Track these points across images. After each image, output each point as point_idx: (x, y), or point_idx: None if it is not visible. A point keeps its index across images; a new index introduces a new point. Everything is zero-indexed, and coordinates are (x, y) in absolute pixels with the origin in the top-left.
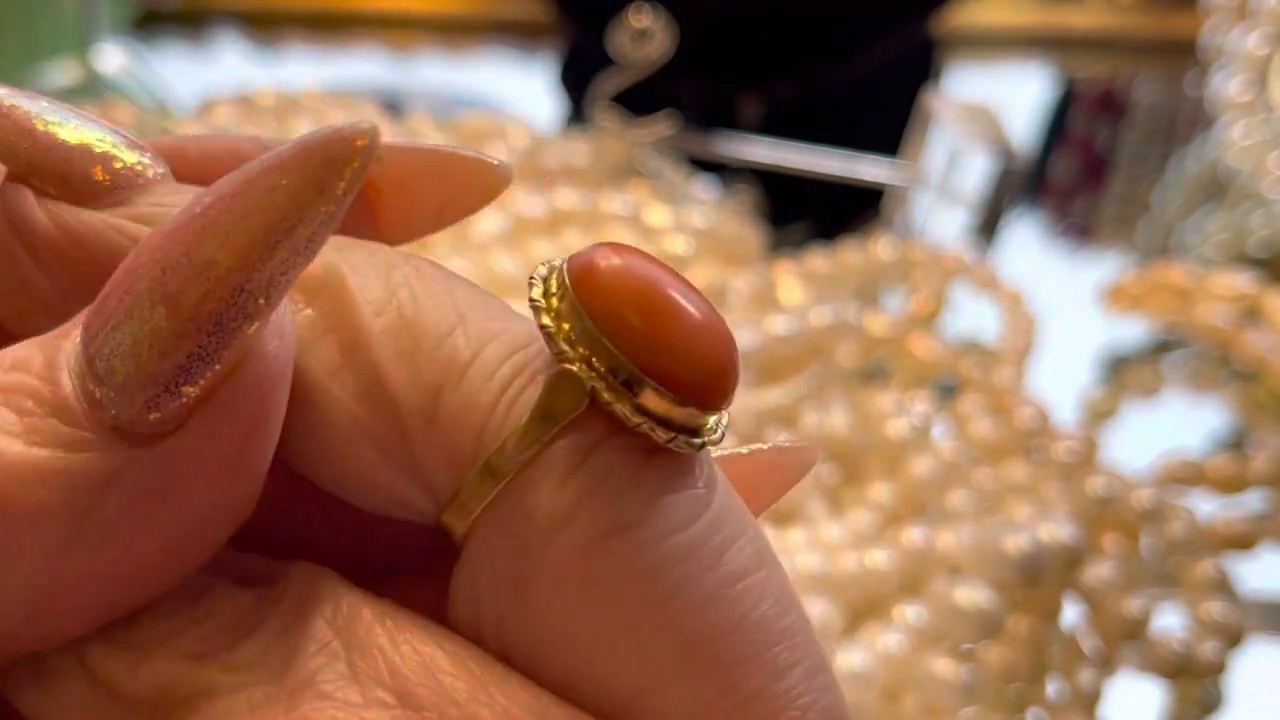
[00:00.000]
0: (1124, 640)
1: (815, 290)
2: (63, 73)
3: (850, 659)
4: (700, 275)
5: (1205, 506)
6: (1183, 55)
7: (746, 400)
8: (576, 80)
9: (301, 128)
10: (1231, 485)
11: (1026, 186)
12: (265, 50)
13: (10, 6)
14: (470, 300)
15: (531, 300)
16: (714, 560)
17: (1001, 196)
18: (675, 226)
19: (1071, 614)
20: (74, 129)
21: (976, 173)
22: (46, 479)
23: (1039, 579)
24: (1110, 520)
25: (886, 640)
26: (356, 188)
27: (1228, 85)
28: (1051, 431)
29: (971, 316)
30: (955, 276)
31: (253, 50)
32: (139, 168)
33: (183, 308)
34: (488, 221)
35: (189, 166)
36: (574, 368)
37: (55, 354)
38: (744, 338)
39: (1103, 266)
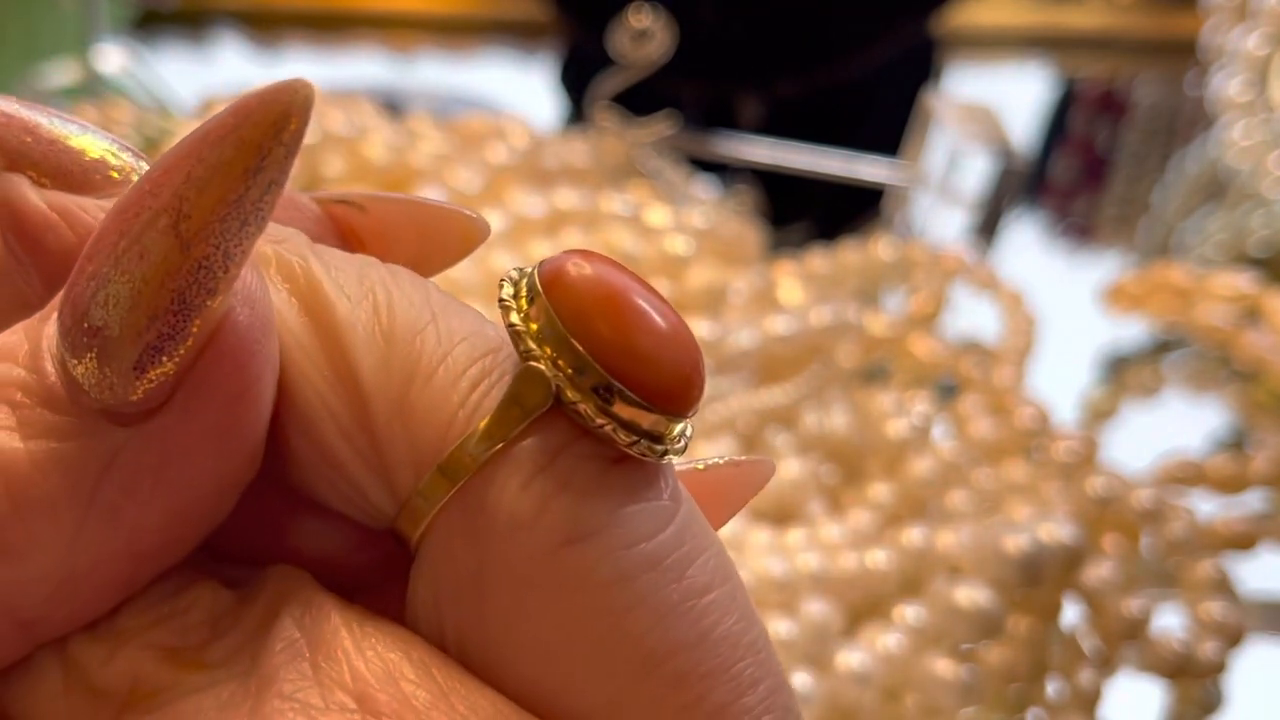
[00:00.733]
0: (1124, 640)
1: (815, 290)
2: (63, 73)
3: (850, 659)
4: (700, 275)
5: (1205, 506)
6: (1183, 55)
7: (746, 400)
8: (576, 80)
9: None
10: (1231, 485)
11: (1026, 186)
12: (265, 50)
13: (10, 6)
14: (443, 304)
15: (501, 300)
16: (678, 573)
17: (1001, 196)
18: (675, 226)
19: (1071, 614)
20: (77, 135)
21: (976, 173)
22: (48, 471)
23: (1039, 579)
24: (1110, 520)
25: (886, 640)
26: (297, 148)
27: (1228, 85)
28: (1051, 431)
29: (971, 316)
30: (955, 276)
31: (253, 50)
32: (135, 171)
33: (145, 289)
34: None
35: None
36: (540, 365)
37: (39, 340)
38: (744, 338)
39: (1103, 266)
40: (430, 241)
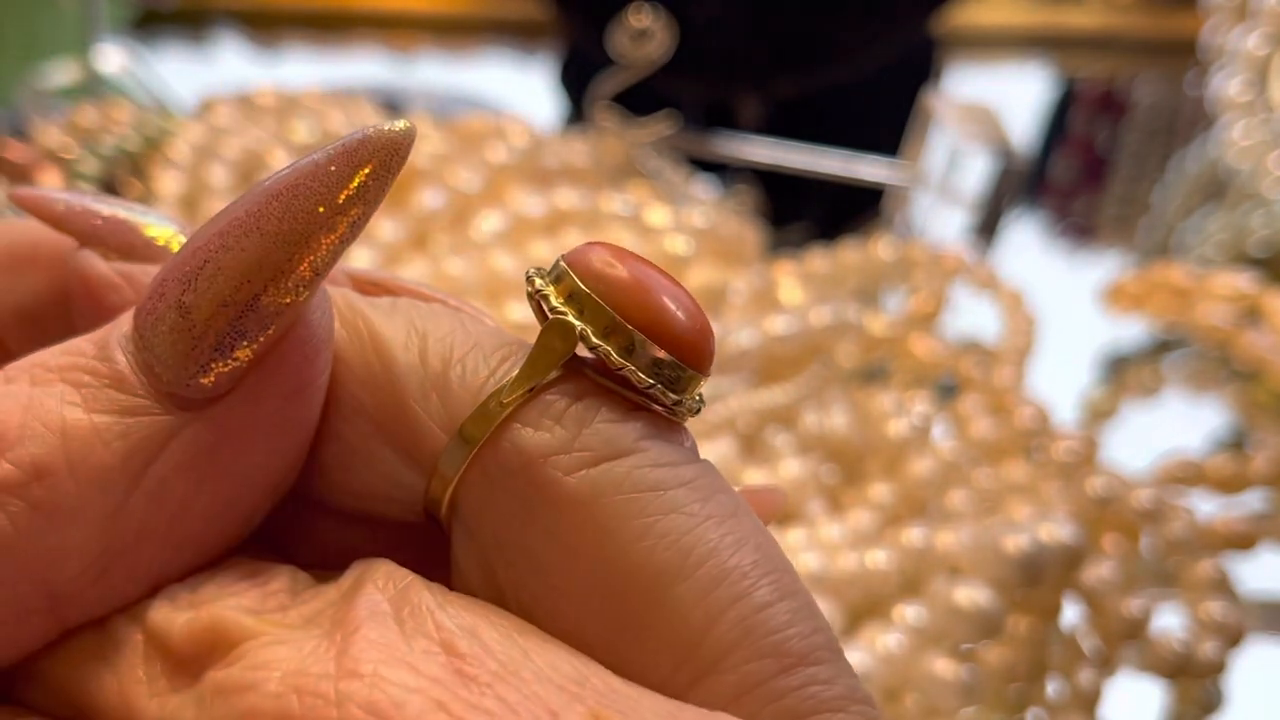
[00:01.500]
0: (1124, 640)
1: (815, 290)
2: (63, 73)
3: (850, 659)
4: (700, 275)
5: (1205, 506)
6: (1183, 55)
7: (746, 400)
8: (576, 80)
9: (301, 128)
10: (1231, 485)
11: (1026, 186)
12: (265, 50)
13: (10, 6)
14: (471, 318)
15: (527, 275)
16: (707, 493)
17: (1001, 196)
18: (675, 226)
19: (1071, 614)
20: (141, 216)
21: (976, 173)
22: (108, 441)
23: (1039, 579)
24: (1110, 520)
25: (886, 640)
26: (388, 186)
27: (1228, 85)
28: (1051, 431)
29: (971, 316)
30: (955, 276)
31: (253, 50)
32: None
33: (223, 292)
34: (488, 221)
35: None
36: (565, 315)
37: (107, 338)
38: (744, 338)
39: (1103, 266)
40: None
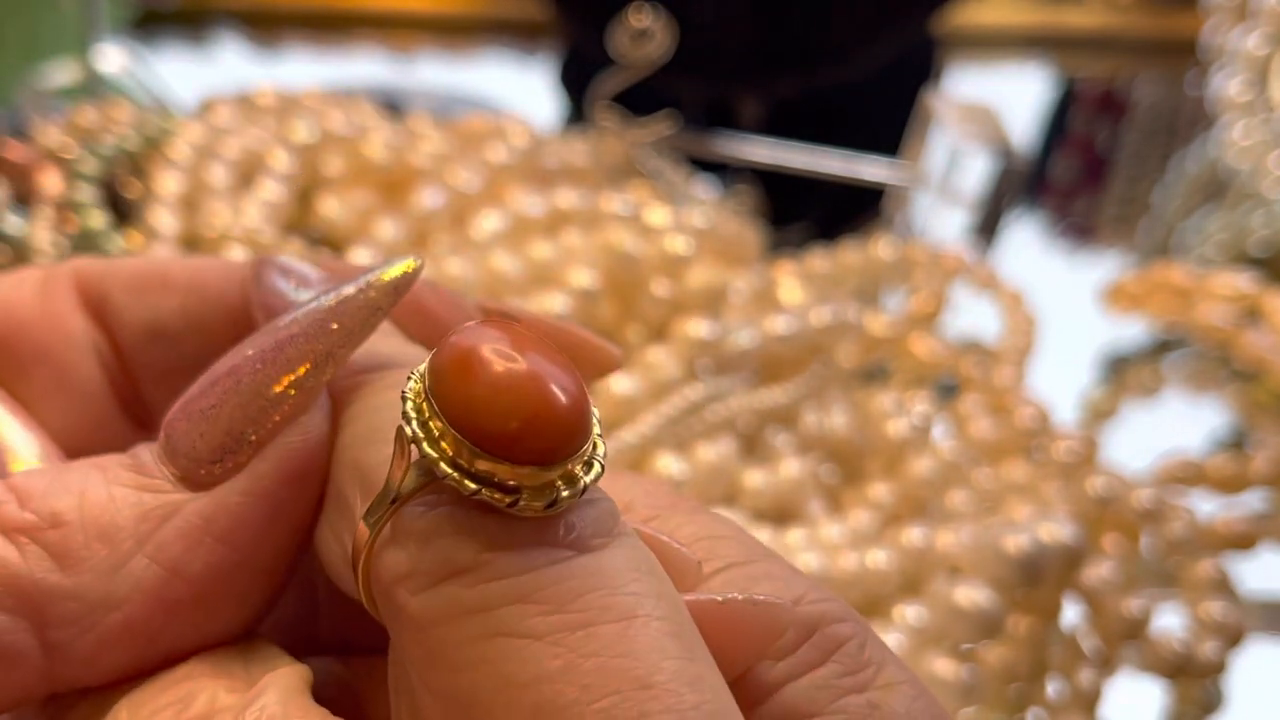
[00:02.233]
0: (1124, 640)
1: (815, 290)
2: (63, 73)
3: None
4: (700, 275)
5: (1205, 506)
6: (1183, 55)
7: (746, 400)
8: (576, 80)
9: (301, 128)
10: (1231, 485)
11: (1026, 186)
12: (265, 50)
13: (10, 6)
14: None
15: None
16: (555, 605)
17: (1001, 196)
18: (675, 226)
19: (1071, 614)
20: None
21: (976, 173)
22: (120, 505)
23: (1039, 579)
24: (1110, 520)
25: (886, 640)
26: (361, 339)
27: (1228, 85)
28: (1051, 431)
29: (971, 316)
30: (955, 276)
31: (253, 50)
32: None
33: (231, 409)
34: (488, 221)
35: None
36: (404, 424)
37: (133, 450)
38: (744, 338)
39: (1103, 266)
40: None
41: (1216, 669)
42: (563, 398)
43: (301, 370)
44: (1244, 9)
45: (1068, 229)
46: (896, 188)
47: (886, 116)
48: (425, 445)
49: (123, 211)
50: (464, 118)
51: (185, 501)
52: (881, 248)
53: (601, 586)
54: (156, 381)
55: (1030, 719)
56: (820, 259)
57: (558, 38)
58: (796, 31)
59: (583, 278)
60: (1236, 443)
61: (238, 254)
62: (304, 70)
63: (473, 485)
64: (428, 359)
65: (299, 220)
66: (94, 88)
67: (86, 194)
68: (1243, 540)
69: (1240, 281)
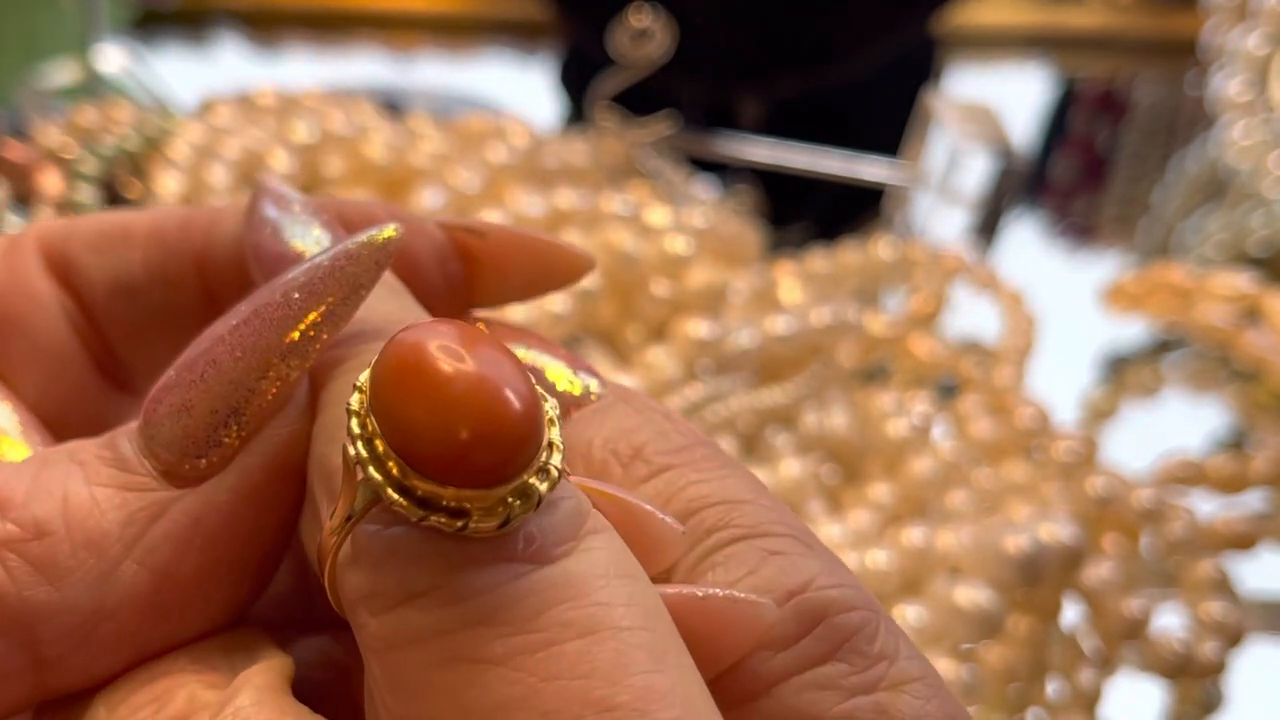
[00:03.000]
0: (1124, 640)
1: (815, 290)
2: (63, 73)
3: None
4: (700, 275)
5: (1205, 506)
6: (1183, 55)
7: (746, 400)
8: (576, 80)
9: (301, 128)
10: (1231, 485)
11: (1026, 186)
12: (265, 50)
13: (10, 6)
14: None
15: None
16: (516, 626)
17: (1001, 196)
18: (675, 226)
19: (1071, 614)
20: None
21: (976, 173)
22: (105, 511)
23: (1039, 579)
24: (1110, 520)
25: None
26: (352, 310)
27: (1228, 85)
28: (1051, 431)
29: (971, 316)
30: (955, 276)
31: (253, 50)
32: None
33: (214, 401)
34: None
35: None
36: (350, 448)
37: (112, 438)
38: (744, 338)
39: (1103, 266)
40: (541, 270)
41: (1216, 669)
42: (514, 403)
43: (231, 411)
44: (1244, 9)
45: (1068, 229)
46: (896, 188)
47: (886, 116)
48: (370, 468)
49: None
50: (464, 118)
51: (171, 500)
52: (881, 248)
53: (563, 600)
54: (128, 338)
55: (1030, 719)
56: (820, 259)
57: (558, 38)
58: (796, 31)
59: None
60: (1236, 443)
61: None
62: (304, 70)
63: (420, 511)
64: (370, 365)
65: None
66: (94, 88)
67: (86, 194)
68: (1243, 540)
69: (1240, 281)
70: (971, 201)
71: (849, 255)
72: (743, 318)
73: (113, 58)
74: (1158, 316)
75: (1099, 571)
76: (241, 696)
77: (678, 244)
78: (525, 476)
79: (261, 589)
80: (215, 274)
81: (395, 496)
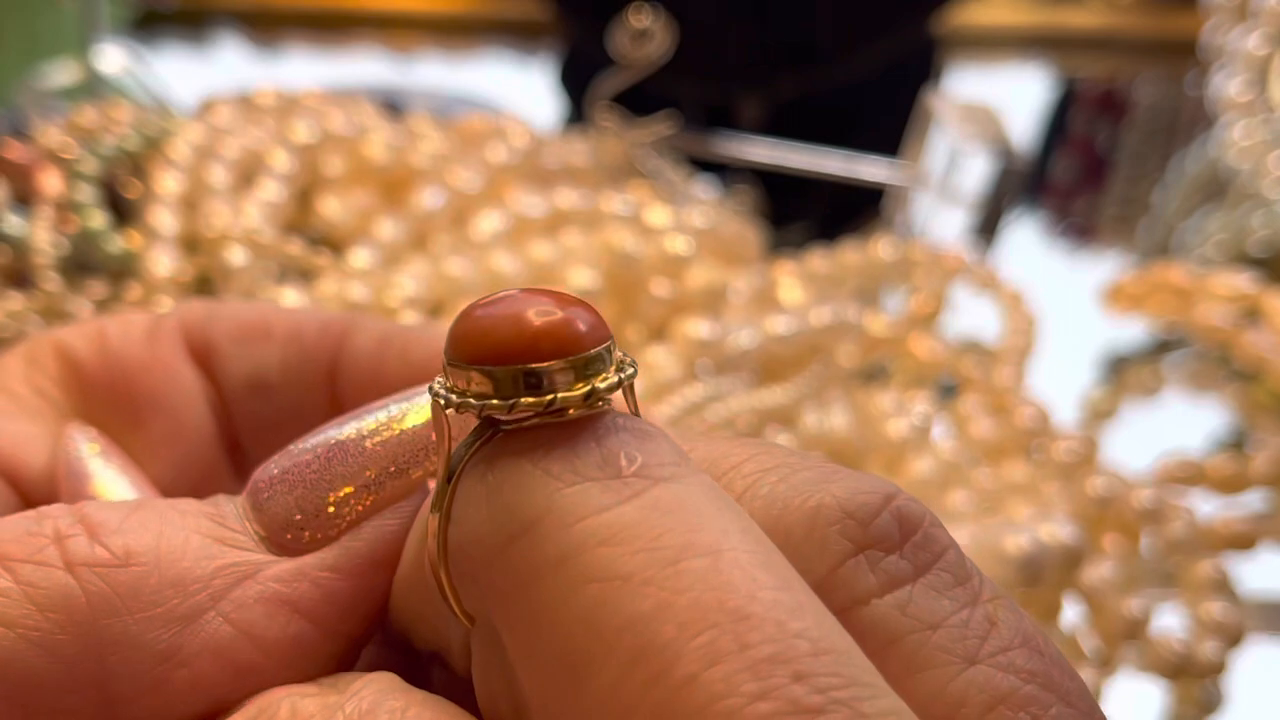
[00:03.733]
0: (1124, 640)
1: (815, 290)
2: (63, 73)
3: None
4: (700, 275)
5: (1205, 506)
6: (1183, 55)
7: (746, 400)
8: (576, 80)
9: (301, 128)
10: (1231, 485)
11: (1026, 186)
12: (265, 50)
13: (10, 6)
14: None
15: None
16: (636, 545)
17: (1001, 196)
18: (675, 226)
19: (1071, 614)
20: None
21: (976, 173)
22: (198, 557)
23: (1039, 579)
24: (1110, 520)
25: None
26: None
27: (1228, 85)
28: (1051, 431)
29: (971, 316)
30: (955, 276)
31: (253, 50)
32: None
33: (332, 479)
34: (488, 221)
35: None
36: (439, 398)
37: (216, 498)
38: (744, 338)
39: (1103, 266)
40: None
41: (1216, 669)
42: (578, 304)
43: (345, 490)
44: (1244, 9)
45: (1068, 229)
46: (896, 188)
47: (886, 116)
48: (454, 396)
49: (123, 211)
50: (464, 118)
51: (267, 564)
52: (881, 248)
53: (681, 523)
54: (255, 431)
55: None
56: (820, 259)
57: (558, 38)
58: (797, 32)
59: (583, 278)
60: (1236, 443)
61: (238, 254)
62: (304, 70)
63: (508, 400)
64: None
65: (299, 220)
66: (94, 88)
67: (86, 194)
68: (1243, 540)
69: (1240, 281)
70: (971, 201)
71: (849, 255)
72: (743, 318)
73: (113, 58)
74: (1158, 316)
75: (1099, 571)
76: (367, 689)
77: (678, 244)
78: (600, 350)
79: (348, 663)
80: (347, 381)
81: (486, 400)
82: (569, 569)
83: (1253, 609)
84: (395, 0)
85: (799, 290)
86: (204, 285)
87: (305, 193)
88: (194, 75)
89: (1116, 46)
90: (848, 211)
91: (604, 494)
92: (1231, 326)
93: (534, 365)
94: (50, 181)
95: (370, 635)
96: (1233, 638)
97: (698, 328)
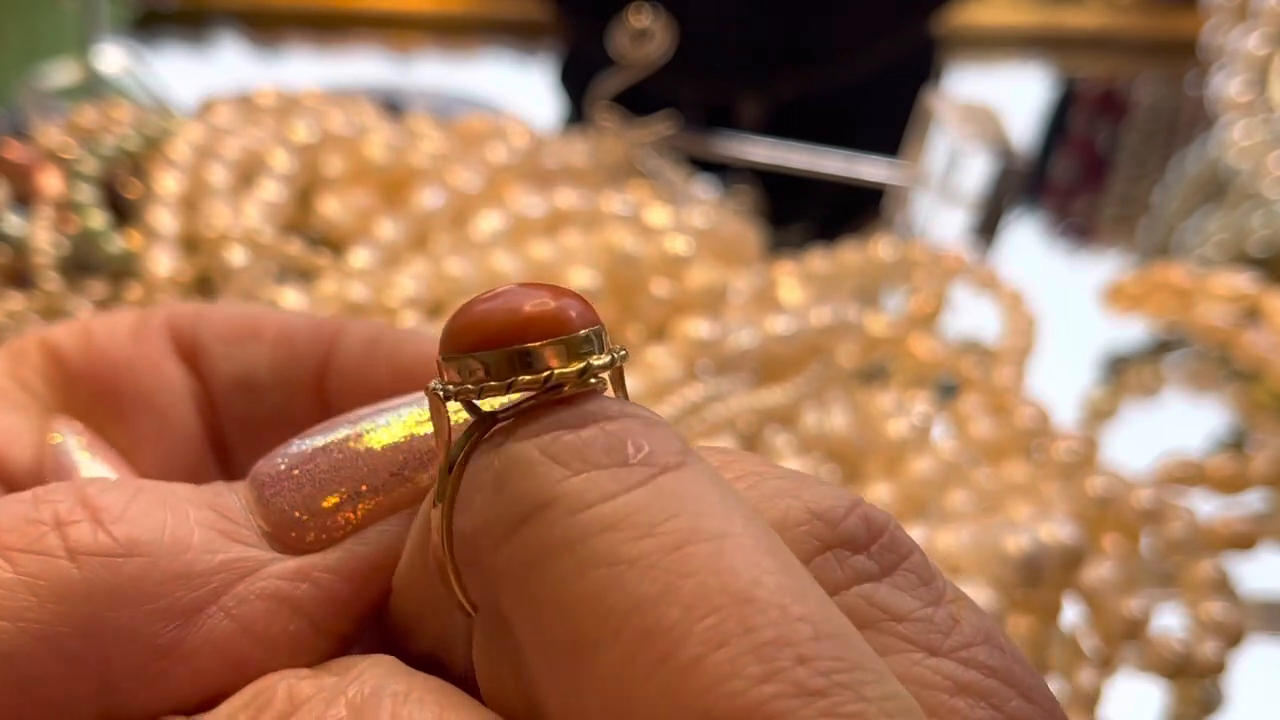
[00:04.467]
0: (1124, 640)
1: (815, 290)
2: (63, 73)
3: None
4: (700, 275)
5: (1205, 506)
6: (1183, 55)
7: (746, 400)
8: (576, 80)
9: (301, 128)
10: (1231, 485)
11: (1026, 186)
12: (265, 50)
13: (10, 6)
14: None
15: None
16: (643, 530)
17: (1001, 196)
18: (675, 226)
19: (1071, 614)
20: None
21: (976, 173)
22: (201, 553)
23: (1039, 579)
24: (1110, 520)
25: None
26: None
27: (1228, 85)
28: (1051, 431)
29: (971, 316)
30: (955, 276)
31: (253, 50)
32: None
33: (339, 480)
34: (488, 221)
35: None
36: (437, 388)
37: (215, 488)
38: (744, 338)
39: (1103, 266)
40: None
41: (1216, 669)
42: (565, 292)
43: (351, 492)
44: (1244, 9)
45: (1068, 229)
46: (896, 188)
47: (887, 116)
48: (452, 387)
49: (123, 211)
50: (464, 118)
51: (270, 560)
52: (881, 248)
53: (687, 506)
54: (241, 431)
55: None
56: (820, 259)
57: (558, 38)
58: (796, 32)
59: (583, 278)
60: (1236, 443)
61: (238, 254)
62: (304, 70)
63: (506, 380)
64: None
65: (299, 220)
66: (94, 88)
67: (86, 194)
68: (1243, 540)
69: (1240, 281)
70: (971, 201)
71: (849, 255)
72: (743, 318)
73: (113, 58)
74: (1158, 316)
75: (1099, 571)
76: (368, 672)
77: (678, 244)
78: (590, 332)
79: (342, 654)
80: (335, 383)
81: (482, 383)
82: (576, 553)
83: (1253, 609)
84: (395, 0)
85: (799, 290)
86: (204, 285)
87: (305, 193)
88: (194, 75)
89: (1116, 46)
90: (848, 211)
91: (611, 481)
92: (1231, 326)
93: (527, 345)
94: (50, 181)
95: (361, 635)
96: (1233, 638)
97: (698, 328)
